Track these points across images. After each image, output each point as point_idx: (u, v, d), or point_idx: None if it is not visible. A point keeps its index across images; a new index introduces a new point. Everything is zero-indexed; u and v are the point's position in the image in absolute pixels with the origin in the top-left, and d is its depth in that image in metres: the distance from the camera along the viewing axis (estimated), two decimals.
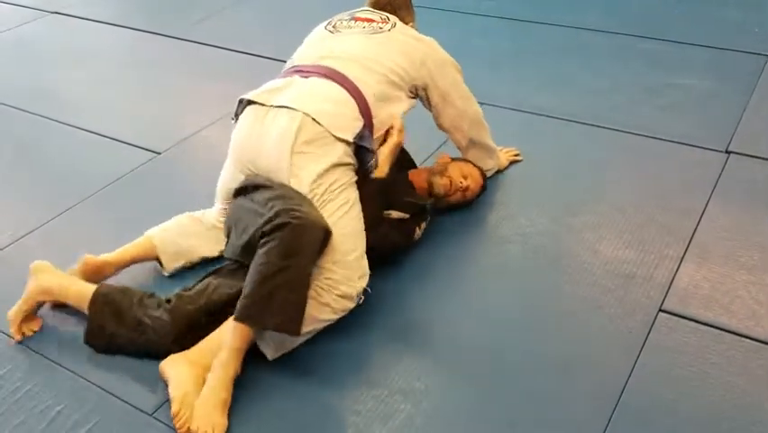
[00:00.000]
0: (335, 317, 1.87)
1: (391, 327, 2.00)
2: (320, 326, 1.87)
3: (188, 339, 1.85)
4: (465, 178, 2.31)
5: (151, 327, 1.87)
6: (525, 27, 3.77)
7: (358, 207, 1.96)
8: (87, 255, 2.09)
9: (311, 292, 1.83)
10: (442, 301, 2.08)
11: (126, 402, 1.81)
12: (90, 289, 1.95)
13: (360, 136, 1.99)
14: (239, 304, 1.77)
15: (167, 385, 1.77)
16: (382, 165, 2.06)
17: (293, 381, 1.85)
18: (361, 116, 2.01)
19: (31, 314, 2.02)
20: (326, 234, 1.82)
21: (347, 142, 1.96)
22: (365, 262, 1.93)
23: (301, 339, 1.87)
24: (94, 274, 2.08)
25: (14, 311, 2.00)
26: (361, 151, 2.01)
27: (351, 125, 1.98)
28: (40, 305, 2.04)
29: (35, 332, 2.02)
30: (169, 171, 2.79)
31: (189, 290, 1.96)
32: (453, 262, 2.23)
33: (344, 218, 1.90)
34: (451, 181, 2.29)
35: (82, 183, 2.70)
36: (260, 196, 1.88)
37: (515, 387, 1.81)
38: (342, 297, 1.85)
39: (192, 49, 3.84)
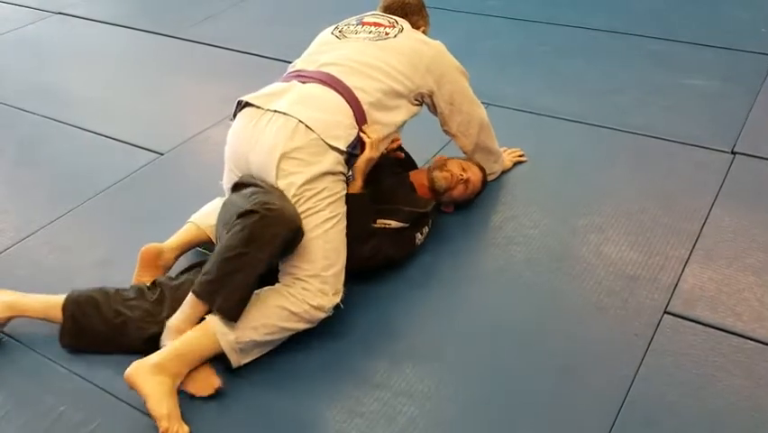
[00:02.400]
0: (305, 326, 1.89)
1: (394, 329, 2.00)
2: (288, 334, 1.88)
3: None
4: (465, 170, 2.31)
5: (131, 316, 1.88)
6: (530, 27, 3.76)
7: (344, 223, 1.97)
8: (145, 246, 2.09)
9: (282, 301, 1.84)
10: (445, 303, 2.07)
11: (128, 404, 1.80)
12: (57, 297, 1.94)
13: (353, 145, 1.99)
14: (199, 279, 1.81)
15: (140, 396, 1.72)
16: (356, 179, 2.04)
17: (295, 382, 1.85)
18: (356, 124, 2.00)
19: None
20: (296, 233, 1.82)
21: (340, 151, 1.96)
22: (342, 279, 1.94)
23: (268, 347, 1.87)
24: (154, 261, 2.09)
25: None
26: (352, 159, 2.01)
27: (345, 134, 1.98)
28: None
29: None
30: (172, 172, 2.79)
31: (173, 279, 1.99)
32: (457, 263, 2.22)
33: (330, 232, 1.91)
34: (451, 174, 2.29)
35: (85, 184, 2.70)
36: (247, 191, 1.90)
37: (518, 389, 1.80)
38: (315, 308, 1.87)
39: (195, 49, 3.84)
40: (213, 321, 1.80)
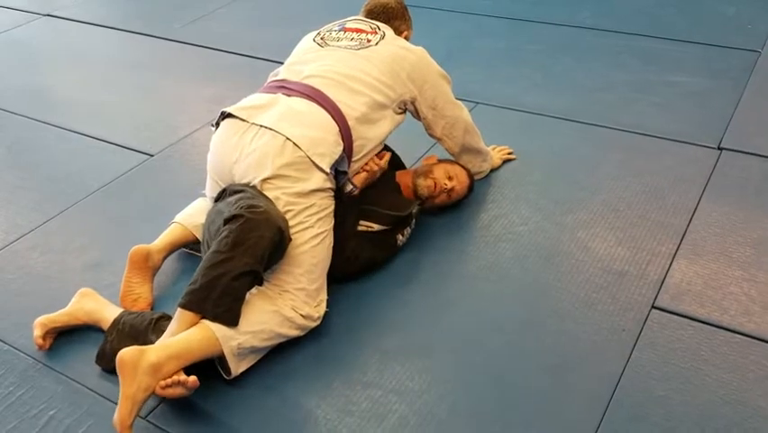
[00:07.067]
0: (297, 333, 1.91)
1: (384, 328, 2.01)
2: (281, 340, 1.89)
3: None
4: (450, 179, 2.31)
5: None
6: (518, 25, 3.77)
7: (331, 238, 1.99)
8: (134, 247, 2.08)
9: (275, 307, 1.85)
10: (435, 301, 2.08)
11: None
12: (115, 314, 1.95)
13: (338, 162, 1.99)
14: (185, 290, 1.78)
15: (120, 384, 1.65)
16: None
17: (285, 382, 1.85)
18: (341, 140, 2.00)
19: (58, 329, 1.98)
20: (281, 235, 1.81)
21: (324, 171, 1.95)
22: (324, 290, 1.97)
23: (260, 354, 1.87)
24: (144, 263, 2.08)
25: (50, 319, 1.96)
26: (339, 176, 2.01)
27: (330, 151, 1.97)
28: (76, 326, 2.00)
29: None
30: (162, 174, 2.79)
31: None
32: (445, 261, 2.23)
33: (318, 248, 1.93)
34: (435, 183, 2.28)
35: (75, 186, 2.70)
36: (233, 198, 1.90)
37: (508, 386, 1.81)
38: (305, 317, 1.90)
39: (185, 50, 3.83)
40: (212, 325, 1.76)
